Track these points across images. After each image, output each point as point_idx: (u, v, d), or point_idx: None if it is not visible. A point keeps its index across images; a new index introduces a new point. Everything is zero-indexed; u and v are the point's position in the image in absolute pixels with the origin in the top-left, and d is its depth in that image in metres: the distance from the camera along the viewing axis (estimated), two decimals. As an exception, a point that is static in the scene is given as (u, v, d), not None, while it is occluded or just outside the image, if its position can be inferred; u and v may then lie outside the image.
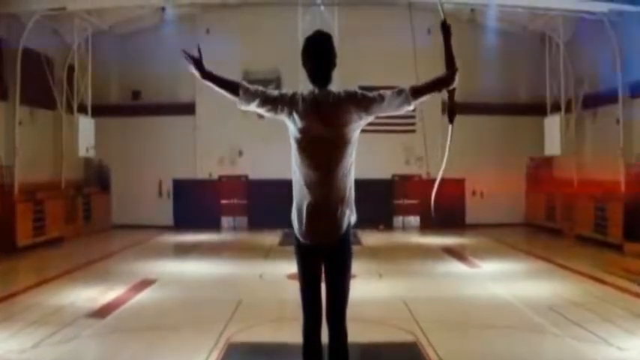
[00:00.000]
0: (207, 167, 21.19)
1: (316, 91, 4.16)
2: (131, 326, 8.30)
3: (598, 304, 9.33)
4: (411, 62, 20.60)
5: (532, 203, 20.85)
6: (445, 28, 4.21)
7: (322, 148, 4.07)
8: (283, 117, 4.17)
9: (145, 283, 11.16)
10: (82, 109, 19.08)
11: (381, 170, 20.22)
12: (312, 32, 4.29)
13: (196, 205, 20.65)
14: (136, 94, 21.24)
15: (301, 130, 4.10)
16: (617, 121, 16.51)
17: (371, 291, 10.12)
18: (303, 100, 4.13)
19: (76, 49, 18.69)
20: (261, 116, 20.65)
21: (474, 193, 20.79)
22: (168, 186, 21.19)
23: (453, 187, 19.44)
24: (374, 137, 19.64)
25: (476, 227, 19.70)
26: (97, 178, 20.88)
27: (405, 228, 20.96)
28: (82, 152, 18.46)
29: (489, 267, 13.12)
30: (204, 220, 20.50)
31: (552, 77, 19.46)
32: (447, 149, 4.40)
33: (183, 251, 16.13)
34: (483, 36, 19.94)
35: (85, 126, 18.71)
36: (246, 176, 21.14)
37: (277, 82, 20.79)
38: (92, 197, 19.78)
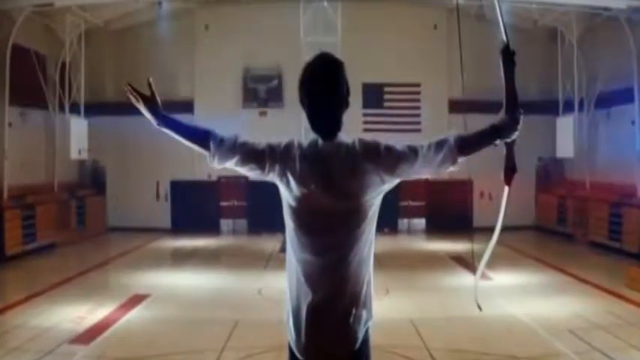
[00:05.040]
0: (205, 168, 20.38)
1: (320, 142, 2.89)
2: (116, 356, 7.64)
3: (622, 327, 8.69)
4: (416, 59, 20.16)
5: (542, 206, 20.13)
6: (508, 56, 3.00)
7: (329, 225, 2.83)
8: (273, 178, 2.94)
9: (137, 300, 10.52)
10: (76, 109, 18.40)
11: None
12: (315, 56, 2.95)
13: (195, 208, 20.00)
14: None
15: (299, 200, 2.85)
16: (633, 122, 15.81)
17: (378, 311, 9.35)
18: (302, 155, 2.86)
19: (69, 46, 17.98)
20: (263, 113, 19.54)
21: (481, 195, 20.07)
22: (165, 187, 20.53)
23: (460, 190, 18.79)
24: (376, 137, 18.96)
25: (484, 230, 18.95)
26: (91, 179, 20.21)
27: (410, 231, 20.31)
28: (74, 154, 17.77)
29: (501, 279, 12.39)
30: (203, 222, 19.86)
31: (564, 75, 18.74)
32: (501, 217, 3.27)
33: (179, 259, 15.50)
34: (492, 31, 19.15)
35: (78, 127, 18.03)
36: (245, 177, 20.38)
37: (279, 79, 20.16)
38: (87, 200, 19.08)
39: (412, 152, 2.90)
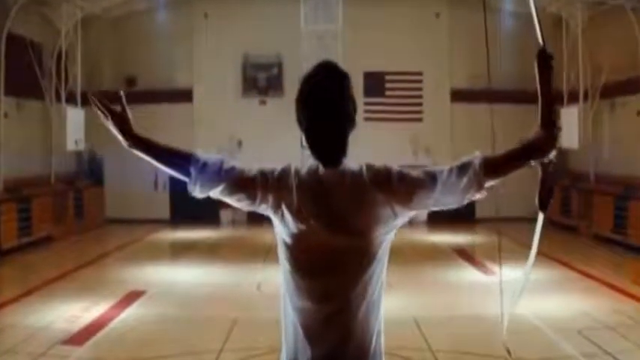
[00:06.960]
0: (206, 158, 20.23)
1: (321, 169, 2.42)
2: (110, 358, 7.44)
3: (631, 328, 8.48)
4: (418, 48, 19.85)
5: (546, 198, 19.86)
6: (544, 59, 2.49)
7: (332, 266, 2.38)
8: (266, 210, 2.48)
9: (133, 296, 10.30)
10: (72, 99, 18.13)
11: (388, 161, 19.22)
12: (315, 66, 2.48)
13: (194, 198, 19.70)
14: (130, 81, 20.22)
15: (296, 236, 2.41)
16: (638, 113, 15.55)
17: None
18: (300, 184, 2.41)
19: (65, 35, 17.66)
20: (263, 102, 19.16)
21: (484, 186, 19.80)
22: (164, 178, 20.25)
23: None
24: (378, 126, 18.71)
25: (486, 221, 18.76)
26: (89, 170, 19.95)
27: (412, 222, 19.96)
28: (70, 145, 17.44)
29: (505, 273, 12.14)
30: (202, 213, 19.54)
31: (569, 65, 18.43)
32: (534, 249, 2.79)
33: (177, 253, 15.31)
34: (495, 18, 18.81)
35: (74, 117, 17.70)
36: (246, 167, 20.20)
37: (279, 67, 19.90)
38: (84, 191, 18.82)
39: (430, 178, 2.42)
